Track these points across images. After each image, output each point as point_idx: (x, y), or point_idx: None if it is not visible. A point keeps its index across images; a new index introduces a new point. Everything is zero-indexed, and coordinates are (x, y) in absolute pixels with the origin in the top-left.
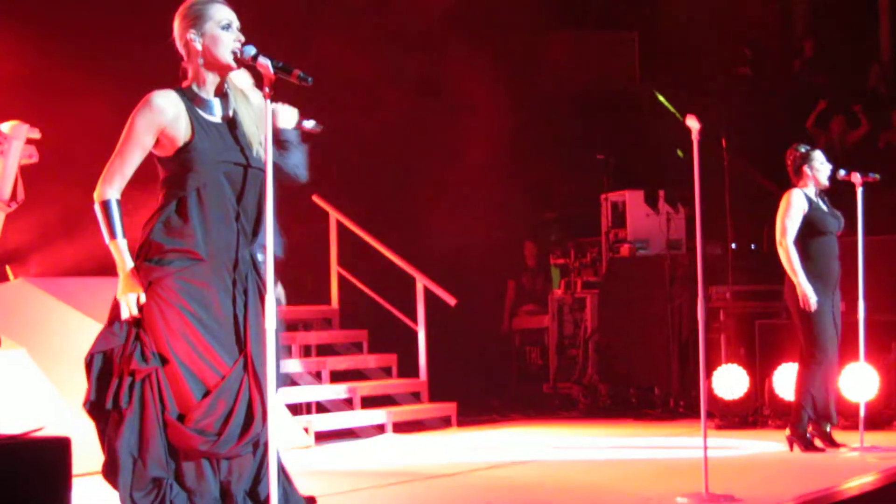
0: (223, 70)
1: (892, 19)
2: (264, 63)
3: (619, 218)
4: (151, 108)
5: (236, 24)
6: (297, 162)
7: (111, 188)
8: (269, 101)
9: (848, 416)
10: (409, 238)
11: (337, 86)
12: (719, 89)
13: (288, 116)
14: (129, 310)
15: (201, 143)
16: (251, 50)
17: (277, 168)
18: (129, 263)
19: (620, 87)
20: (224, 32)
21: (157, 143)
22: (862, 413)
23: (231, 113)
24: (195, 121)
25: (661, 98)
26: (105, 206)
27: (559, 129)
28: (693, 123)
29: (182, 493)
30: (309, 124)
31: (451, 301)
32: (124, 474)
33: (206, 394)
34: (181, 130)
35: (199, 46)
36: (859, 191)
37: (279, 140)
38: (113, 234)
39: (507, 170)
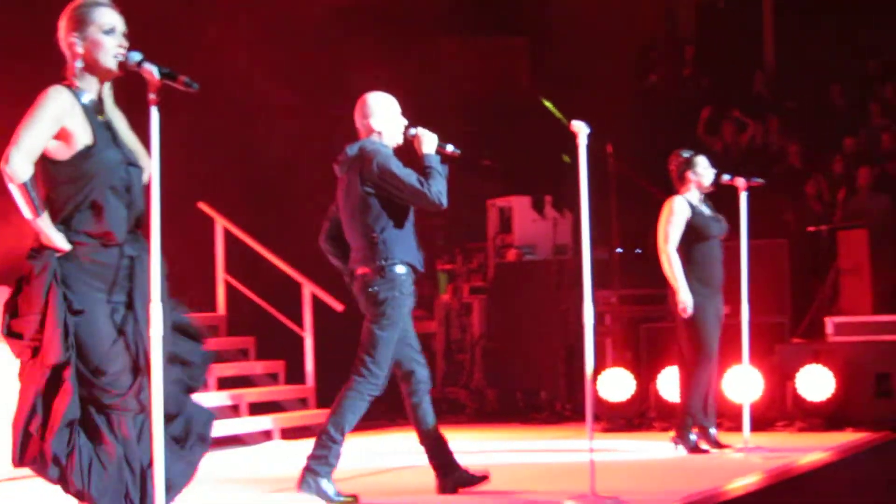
0: (105, 75)
1: (776, 25)
2: (149, 69)
3: (506, 223)
4: (60, 97)
5: (121, 28)
6: (440, 189)
7: (26, 167)
8: (155, 107)
9: (732, 418)
10: (297, 244)
11: (224, 90)
12: (607, 95)
13: (429, 141)
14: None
15: (104, 147)
16: (136, 56)
17: (420, 195)
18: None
19: (509, 92)
20: (107, 37)
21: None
22: (746, 414)
23: (106, 115)
24: (92, 122)
25: (547, 104)
26: (24, 187)
27: (447, 135)
28: (579, 129)
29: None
30: (449, 148)
31: (339, 307)
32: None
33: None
34: (79, 129)
35: (80, 50)
36: (743, 195)
37: (423, 167)
38: (37, 212)
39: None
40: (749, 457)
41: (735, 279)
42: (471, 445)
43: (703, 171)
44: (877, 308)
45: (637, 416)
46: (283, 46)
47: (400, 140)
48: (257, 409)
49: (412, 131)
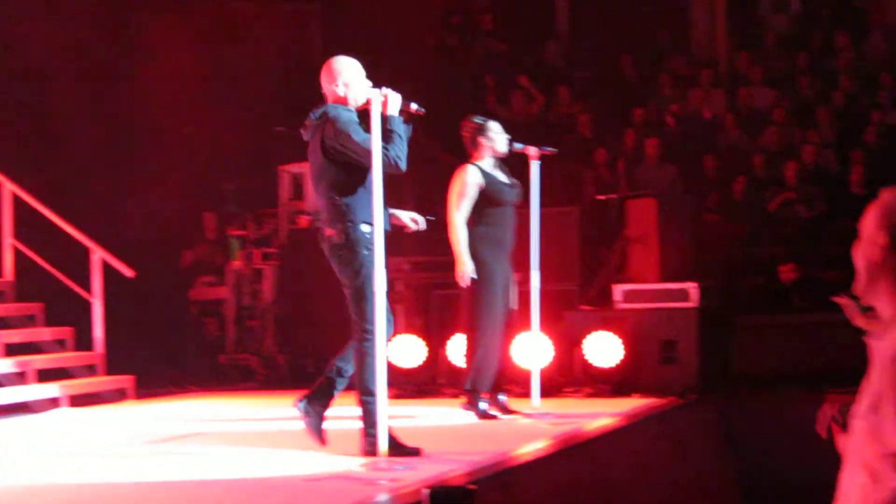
0: None
1: None
2: None
3: (298, 190)
4: None
5: None
6: (398, 153)
7: None
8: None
9: (521, 384)
10: (87, 209)
11: (10, 55)
12: (403, 62)
13: (393, 102)
14: None
15: None
16: None
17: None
18: None
19: (305, 58)
20: None
21: None
22: (535, 380)
23: None
24: None
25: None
26: None
27: (239, 100)
28: (373, 95)
29: None
30: (413, 106)
31: (129, 273)
32: None
33: None
34: None
35: None
36: (534, 163)
37: (386, 130)
38: None
39: (187, 141)
40: (538, 422)
41: (526, 246)
42: (263, 412)
43: (496, 136)
44: (663, 276)
45: (428, 382)
46: (74, 11)
47: (362, 102)
48: (45, 375)
49: (376, 92)
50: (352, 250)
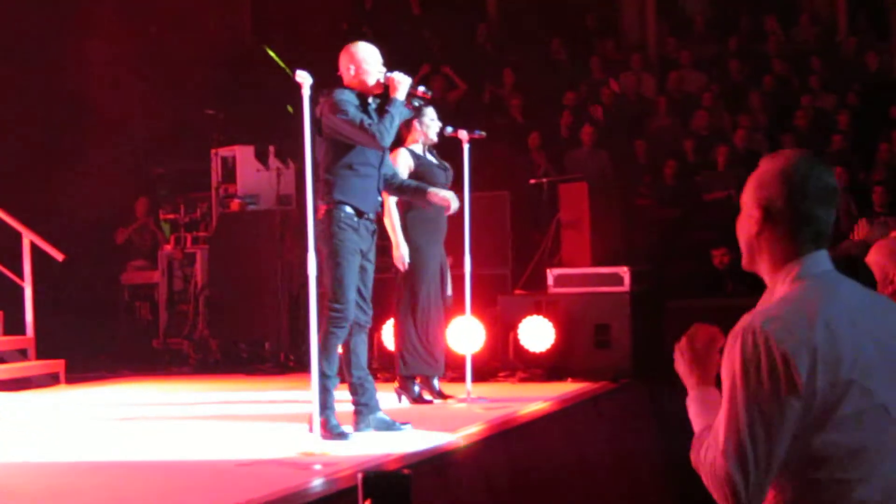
0: None
1: None
2: None
3: (230, 173)
4: None
5: None
6: (381, 129)
7: None
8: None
9: (455, 368)
10: (16, 192)
11: None
12: (330, 45)
13: (401, 86)
14: None
15: None
16: None
17: (359, 134)
18: None
19: (233, 42)
20: None
21: None
22: (468, 365)
23: None
24: None
25: (271, 53)
26: None
27: (171, 84)
28: (303, 78)
29: None
30: (420, 89)
31: (59, 256)
32: None
33: None
34: None
35: None
36: (466, 147)
37: (384, 109)
38: None
39: (118, 125)
40: (471, 407)
41: (458, 231)
42: (194, 396)
43: (430, 122)
44: (596, 260)
45: None
46: None
47: (372, 84)
48: None
49: (387, 75)
50: (327, 226)
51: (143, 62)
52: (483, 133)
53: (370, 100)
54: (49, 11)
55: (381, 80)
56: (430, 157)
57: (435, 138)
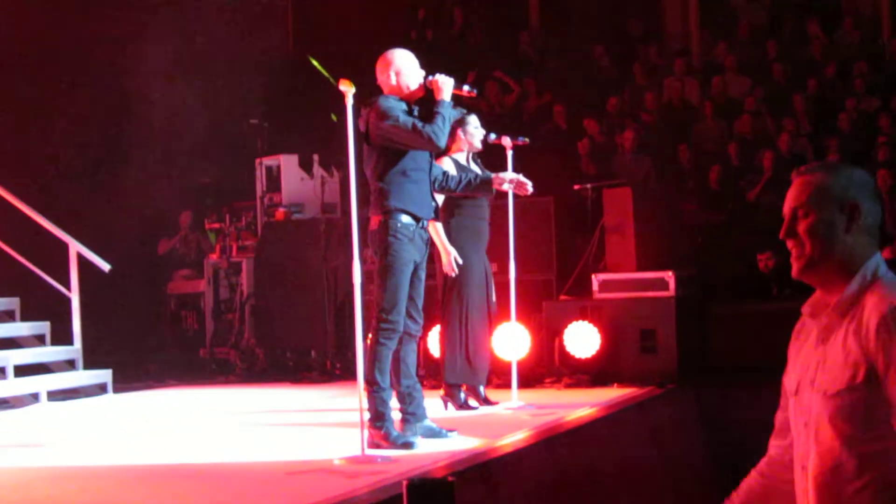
0: None
1: None
2: None
3: (274, 182)
4: None
5: None
6: (434, 129)
7: None
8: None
9: (501, 375)
10: (64, 204)
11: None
12: (374, 55)
13: (445, 87)
14: None
15: None
16: None
17: (412, 136)
18: None
19: (276, 50)
20: None
21: None
22: (514, 372)
23: None
24: None
25: (314, 62)
26: None
27: (215, 93)
28: (346, 88)
29: None
30: (465, 88)
31: (105, 266)
32: None
33: None
34: None
35: None
36: (509, 154)
37: (431, 112)
38: None
39: (163, 135)
40: (517, 413)
41: (503, 237)
42: (242, 405)
43: (474, 130)
44: (641, 265)
45: None
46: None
47: (415, 88)
48: (23, 371)
49: (430, 78)
50: (383, 236)
51: (188, 71)
52: (526, 140)
53: (413, 106)
54: (96, 19)
55: (424, 84)
56: (474, 166)
57: (479, 146)
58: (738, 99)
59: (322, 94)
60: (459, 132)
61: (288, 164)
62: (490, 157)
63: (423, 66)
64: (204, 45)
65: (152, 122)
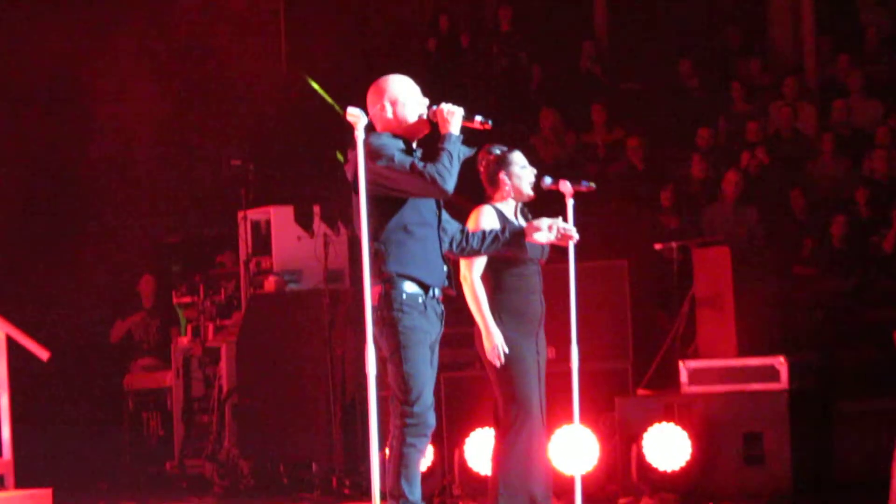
0: None
1: None
2: None
3: (263, 242)
4: None
5: None
6: (440, 170)
7: None
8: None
9: (561, 494)
10: None
11: None
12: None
13: (452, 117)
14: None
15: None
16: None
17: (412, 180)
18: None
19: (263, 73)
20: None
21: None
22: (578, 489)
23: None
24: None
25: (314, 85)
26: None
27: (186, 126)
28: (356, 117)
29: None
30: (478, 119)
31: (44, 355)
32: None
33: None
34: None
35: None
36: (569, 203)
37: (436, 148)
38: None
39: (117, 179)
40: None
41: (561, 313)
42: None
43: (521, 171)
44: (743, 349)
45: (438, 491)
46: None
47: (414, 121)
48: None
49: (433, 108)
50: (387, 311)
51: (149, 96)
52: (592, 184)
53: (414, 145)
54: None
55: (426, 117)
56: (522, 219)
57: (529, 193)
58: (867, 129)
59: (324, 127)
60: (503, 175)
61: (280, 219)
62: (543, 206)
63: (443, 87)
64: (171, 62)
65: (104, 164)
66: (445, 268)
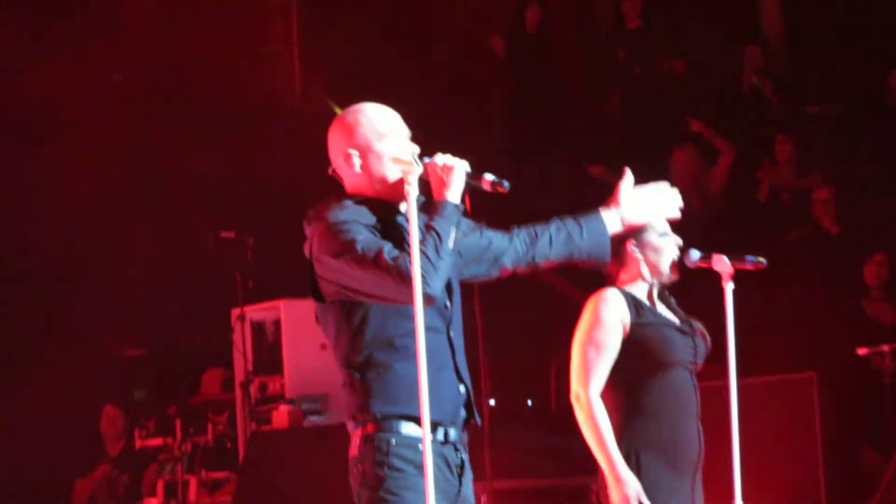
0: None
1: None
2: None
3: (269, 354)
4: None
5: None
6: (425, 264)
7: None
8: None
9: None
10: None
11: None
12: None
13: (450, 177)
14: None
15: None
16: None
17: (377, 280)
18: None
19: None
20: None
21: None
22: None
23: None
24: None
25: (336, 109)
26: None
27: (158, 181)
28: (408, 166)
29: None
30: (488, 178)
31: None
32: None
33: None
34: None
35: None
36: (728, 287)
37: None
38: None
39: (62, 265)
40: None
41: (723, 441)
42: None
43: (659, 242)
44: None
45: None
46: None
47: (394, 179)
48: None
49: (425, 160)
50: (368, 467)
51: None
52: (762, 260)
53: (403, 207)
54: None
55: (414, 171)
56: (661, 308)
57: (670, 270)
58: None
59: None
60: (632, 248)
61: (294, 317)
62: (693, 288)
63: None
64: (139, 90)
65: (48, 242)
66: (463, 388)
